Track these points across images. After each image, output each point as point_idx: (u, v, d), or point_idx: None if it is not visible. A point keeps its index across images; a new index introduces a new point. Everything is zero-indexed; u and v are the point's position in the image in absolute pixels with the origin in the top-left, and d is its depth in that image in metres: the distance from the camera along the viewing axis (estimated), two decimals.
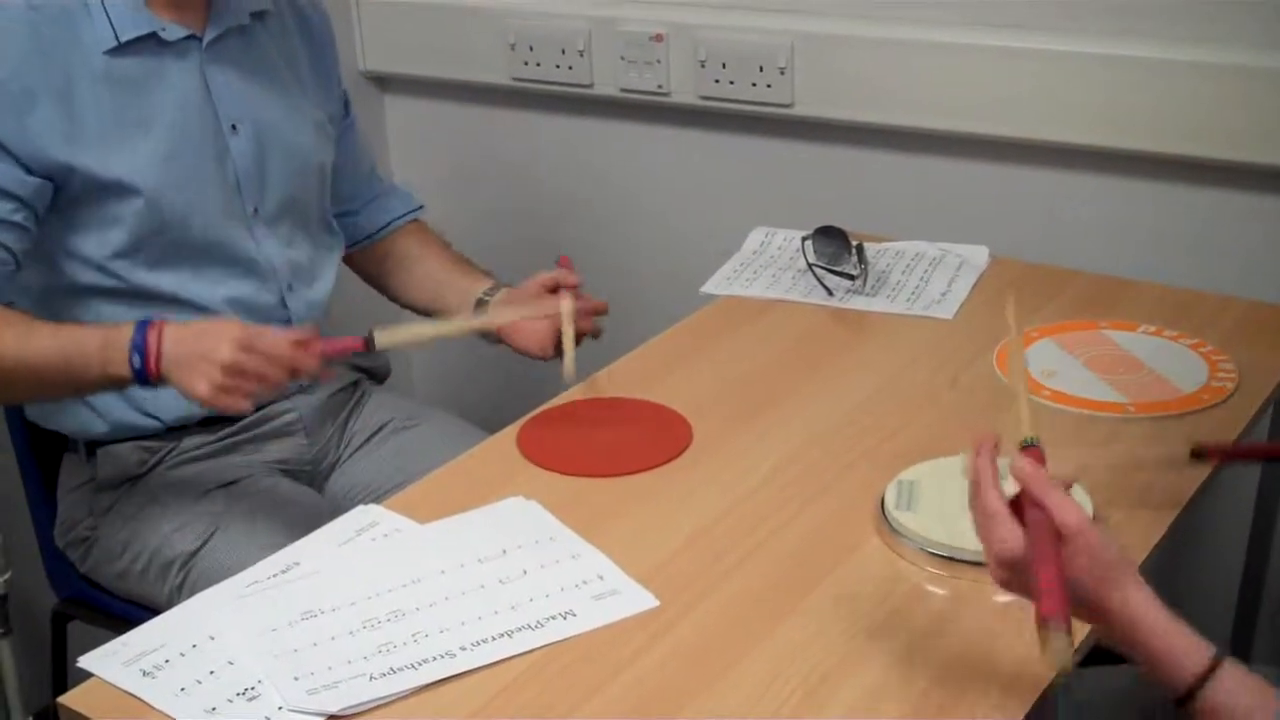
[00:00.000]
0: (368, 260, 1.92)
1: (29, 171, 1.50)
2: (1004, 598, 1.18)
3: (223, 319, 1.53)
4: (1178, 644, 0.95)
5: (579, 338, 1.63)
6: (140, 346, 1.43)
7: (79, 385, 1.51)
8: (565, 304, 1.63)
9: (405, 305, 1.91)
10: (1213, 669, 0.94)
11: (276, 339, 1.46)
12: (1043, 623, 0.93)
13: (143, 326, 1.45)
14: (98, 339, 1.46)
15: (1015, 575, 0.99)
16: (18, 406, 1.76)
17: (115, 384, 1.48)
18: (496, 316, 1.72)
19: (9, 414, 1.79)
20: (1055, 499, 0.98)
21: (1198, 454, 1.31)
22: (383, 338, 1.53)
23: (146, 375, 1.44)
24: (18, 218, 1.51)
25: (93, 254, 1.57)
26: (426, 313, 1.85)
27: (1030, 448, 1.05)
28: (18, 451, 1.80)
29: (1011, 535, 0.98)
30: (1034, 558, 0.96)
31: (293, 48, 1.74)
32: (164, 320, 1.46)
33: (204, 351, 1.42)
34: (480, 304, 1.77)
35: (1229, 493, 1.84)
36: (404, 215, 1.92)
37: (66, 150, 1.51)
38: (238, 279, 1.65)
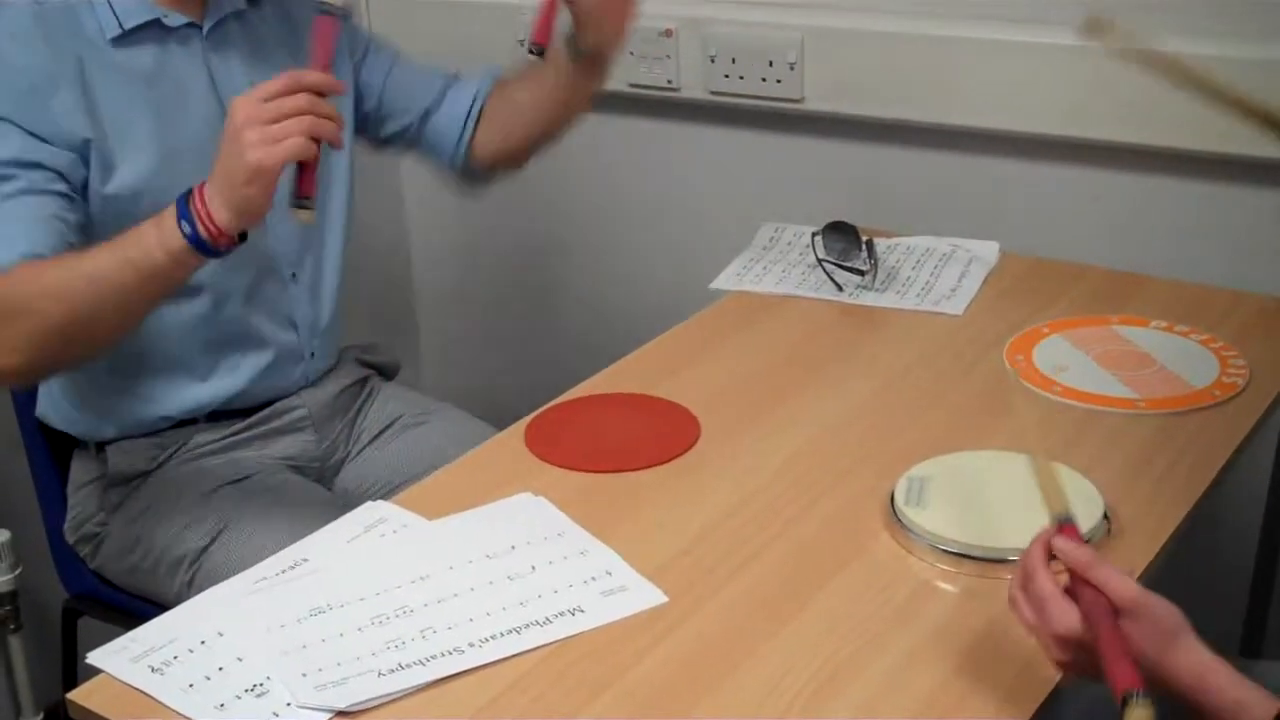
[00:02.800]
0: (488, 141, 1.85)
1: (66, 150, 1.50)
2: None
3: None
4: (1246, 696, 0.95)
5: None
6: (184, 208, 1.36)
7: (147, 287, 1.40)
8: None
9: (546, 138, 1.86)
10: None
11: (280, 79, 1.35)
12: (1123, 697, 0.93)
13: (183, 198, 1.37)
14: (151, 221, 1.39)
15: (1076, 655, 0.99)
16: (28, 403, 1.76)
17: (182, 263, 1.38)
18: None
19: (20, 410, 1.80)
20: (1105, 574, 0.99)
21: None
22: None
23: (204, 237, 1.35)
24: (59, 187, 1.49)
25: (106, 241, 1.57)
26: (561, 121, 1.83)
27: (1067, 525, 1.04)
28: (28, 447, 1.80)
29: (1068, 615, 0.98)
30: (1098, 635, 0.96)
31: (292, 26, 1.73)
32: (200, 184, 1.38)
33: (230, 145, 1.34)
34: (571, 43, 1.73)
35: (1240, 488, 1.84)
36: (485, 81, 1.86)
37: (90, 131, 1.51)
38: (243, 265, 1.65)
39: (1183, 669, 0.96)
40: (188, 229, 1.36)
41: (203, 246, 1.37)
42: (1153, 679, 0.97)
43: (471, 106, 1.84)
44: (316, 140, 1.35)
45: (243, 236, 1.39)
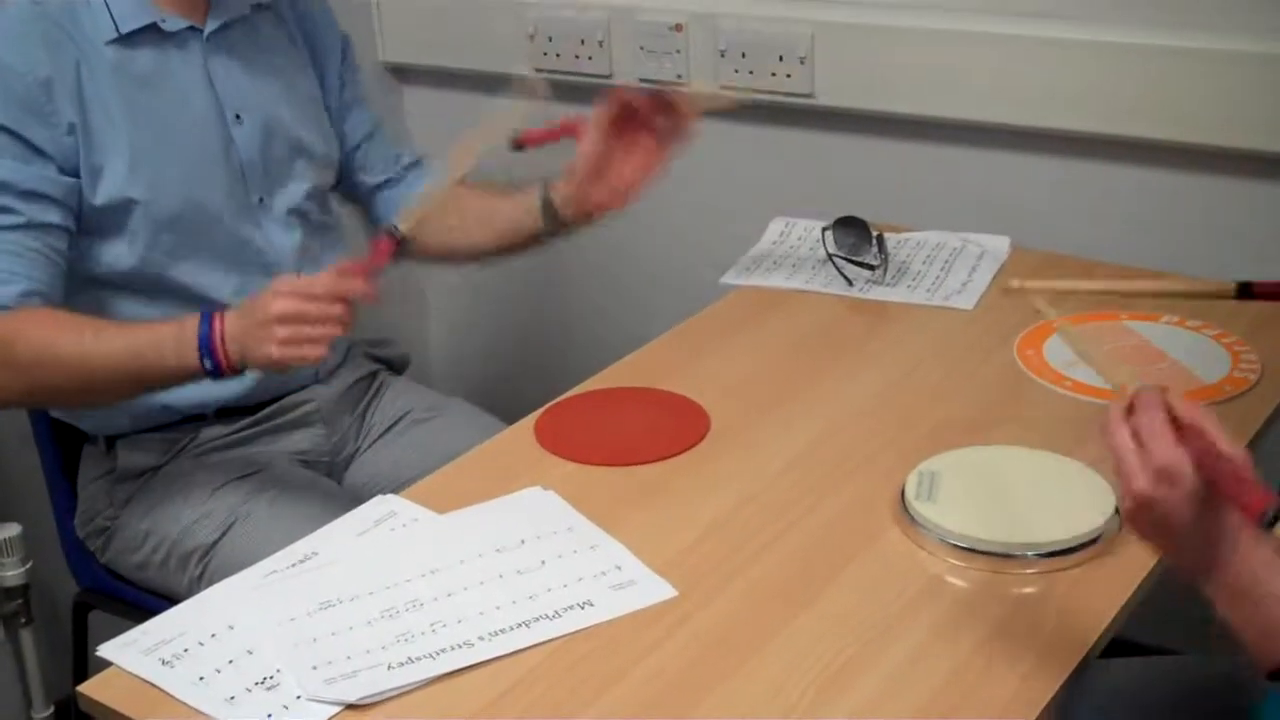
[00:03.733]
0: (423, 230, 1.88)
1: (61, 171, 1.52)
2: (1025, 589, 1.18)
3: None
4: None
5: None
6: (206, 342, 1.43)
7: (149, 381, 1.50)
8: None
9: (478, 256, 1.88)
10: None
11: (316, 276, 1.45)
12: (1258, 516, 0.92)
13: (207, 319, 1.44)
14: (171, 331, 1.45)
15: (1162, 495, 0.95)
16: None
17: (190, 376, 1.47)
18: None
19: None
20: (1220, 433, 0.95)
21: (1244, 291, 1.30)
22: (407, 219, 1.51)
23: (220, 369, 1.44)
24: (57, 219, 1.52)
25: (105, 249, 1.58)
26: (496, 253, 1.84)
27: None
28: (39, 442, 1.80)
29: (1177, 450, 0.94)
30: (1215, 468, 0.93)
31: (293, 34, 1.74)
32: (224, 310, 1.45)
33: (256, 317, 1.41)
34: (547, 205, 1.74)
35: None
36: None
37: (81, 141, 1.52)
38: (245, 269, 1.65)
39: (1254, 557, 0.94)
40: (209, 364, 1.44)
41: (219, 373, 1.45)
42: (1204, 569, 0.95)
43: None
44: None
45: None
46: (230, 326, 1.43)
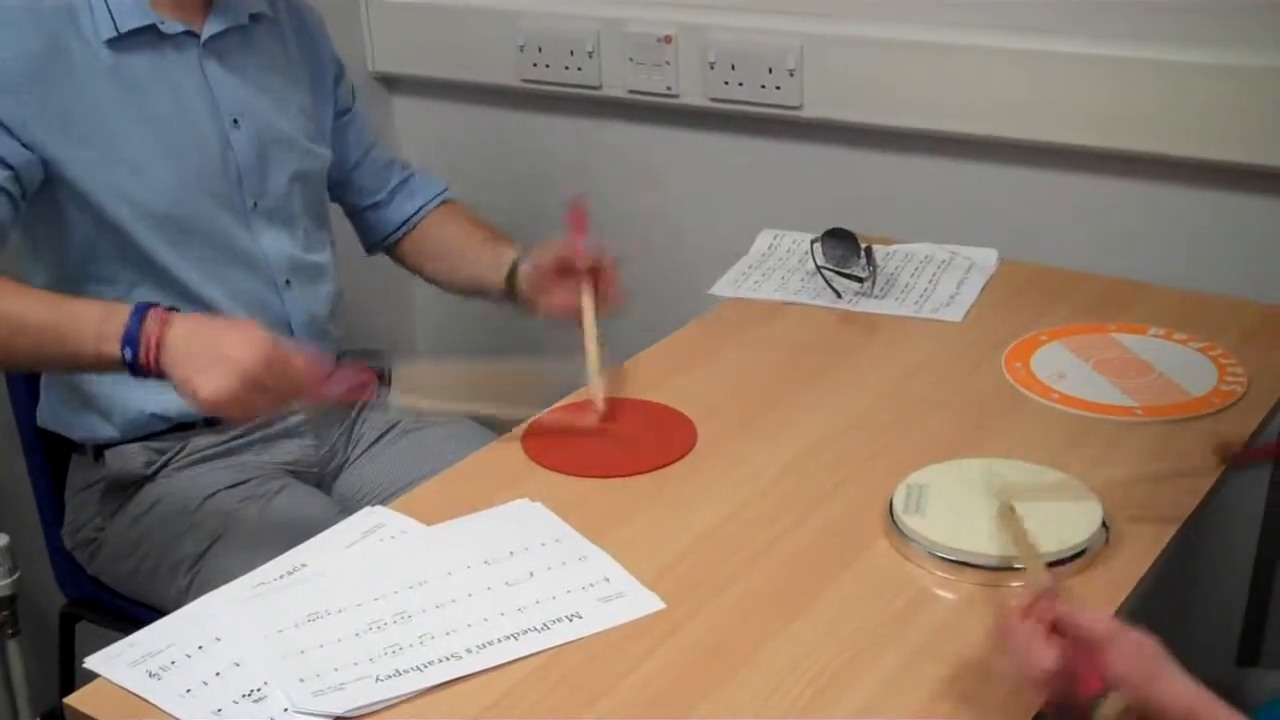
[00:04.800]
0: (407, 253, 1.92)
1: (23, 146, 1.51)
2: (1012, 602, 1.18)
3: (241, 321, 1.44)
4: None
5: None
6: (133, 338, 1.36)
7: (71, 358, 1.41)
8: (586, 309, 1.60)
9: (451, 291, 1.91)
10: None
11: (298, 363, 1.39)
12: (1090, 696, 0.96)
13: (140, 313, 1.37)
14: (96, 312, 1.39)
15: (1058, 687, 1.00)
16: (29, 407, 1.76)
17: (108, 366, 1.39)
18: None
19: (19, 414, 1.80)
20: (1086, 616, 1.01)
21: (1224, 458, 1.32)
22: (403, 400, 1.53)
23: (139, 365, 1.36)
24: (12, 188, 1.50)
25: (95, 249, 1.58)
26: (470, 293, 1.86)
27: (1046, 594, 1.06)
28: (27, 452, 1.80)
29: (1049, 652, 1.00)
30: (1076, 666, 0.98)
31: (289, 50, 1.74)
32: (172, 310, 1.39)
33: (226, 353, 1.34)
34: (510, 276, 1.77)
35: (1238, 496, 1.84)
36: (432, 200, 1.92)
37: (65, 138, 1.52)
38: (237, 272, 1.66)
39: (1169, 698, 0.97)
40: (129, 354, 1.37)
41: (135, 371, 1.38)
42: (1141, 709, 0.98)
43: (412, 217, 1.91)
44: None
45: None
46: (183, 340, 1.36)
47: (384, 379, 1.52)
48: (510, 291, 1.78)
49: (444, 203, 1.93)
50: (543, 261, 1.69)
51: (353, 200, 1.90)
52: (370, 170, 1.89)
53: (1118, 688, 0.97)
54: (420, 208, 1.91)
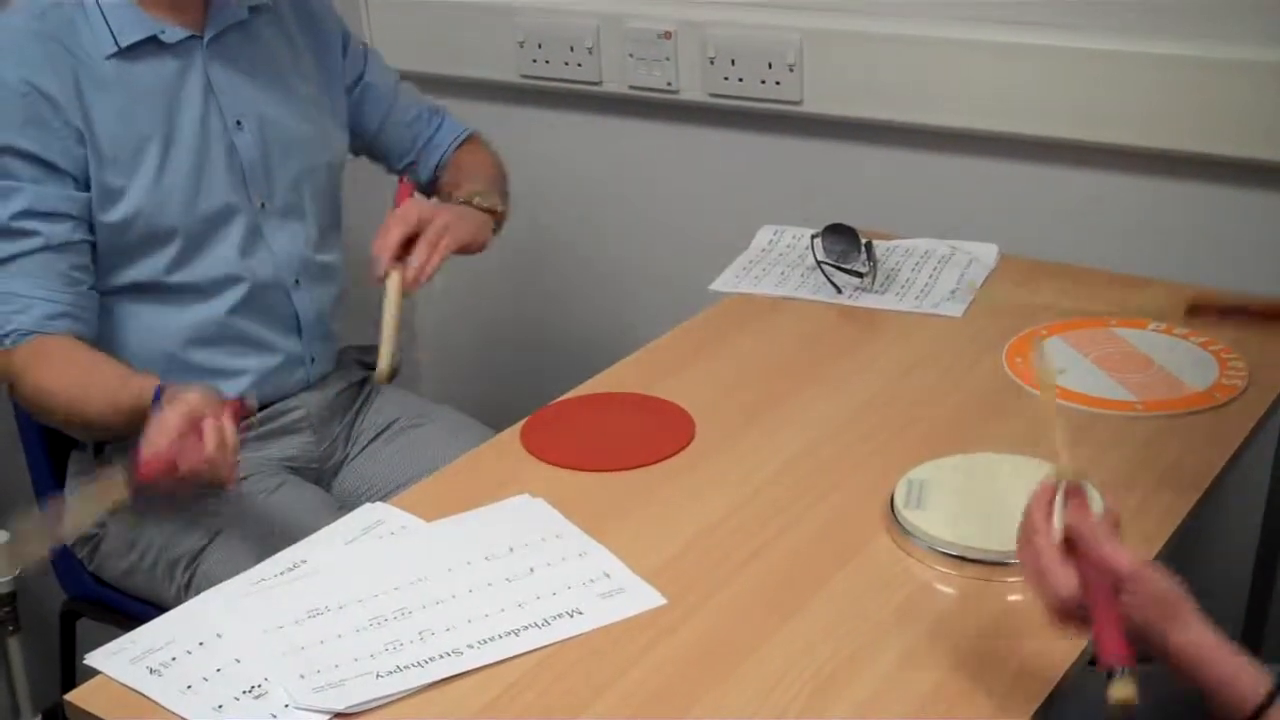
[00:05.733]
0: (445, 197, 1.89)
1: (76, 184, 1.53)
2: (1013, 596, 1.18)
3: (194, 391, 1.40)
4: (1241, 674, 0.97)
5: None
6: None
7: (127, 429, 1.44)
8: (391, 282, 1.60)
9: None
10: (1273, 695, 0.96)
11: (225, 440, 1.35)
12: (1106, 667, 0.95)
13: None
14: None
15: (1073, 617, 1.01)
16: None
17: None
18: None
19: (18, 412, 1.79)
20: (1108, 549, 1.00)
21: (1192, 312, 1.32)
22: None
23: None
24: (78, 236, 1.54)
25: (113, 258, 1.58)
26: None
27: (1075, 488, 1.05)
28: (27, 449, 1.80)
29: (1067, 580, 1.00)
30: (1093, 605, 0.98)
31: (292, 36, 1.74)
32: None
33: (154, 420, 1.35)
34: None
35: (1239, 491, 1.84)
36: (449, 145, 1.92)
37: (87, 149, 1.52)
38: (247, 273, 1.66)
39: (1180, 641, 0.98)
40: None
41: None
42: (1154, 650, 0.99)
43: (436, 167, 1.92)
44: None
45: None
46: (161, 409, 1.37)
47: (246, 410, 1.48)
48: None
49: (464, 143, 1.93)
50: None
51: (390, 164, 1.91)
52: (395, 133, 1.89)
53: (1131, 624, 0.97)
54: (441, 157, 1.92)
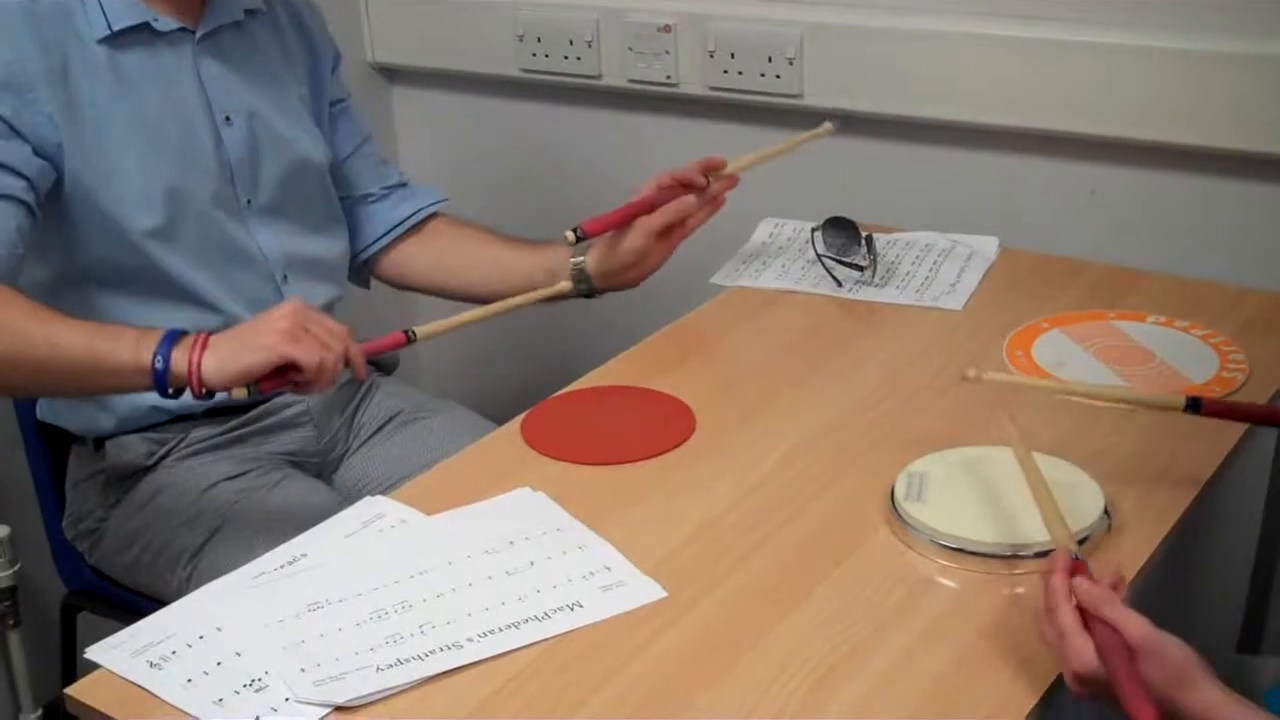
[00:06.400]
0: (405, 260, 1.87)
1: (35, 152, 1.51)
2: (1014, 590, 1.18)
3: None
4: None
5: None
6: (168, 345, 1.38)
7: (102, 375, 1.41)
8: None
9: (465, 297, 1.83)
10: None
11: (330, 320, 1.45)
12: None
13: (173, 331, 1.40)
14: (133, 330, 1.41)
15: (1093, 686, 1.02)
16: (29, 400, 1.76)
17: (136, 377, 1.39)
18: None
19: (18, 406, 1.79)
20: (1120, 614, 1.02)
21: (1193, 406, 1.32)
22: (425, 330, 1.52)
23: (183, 375, 1.38)
24: (28, 197, 1.50)
25: (93, 246, 1.58)
26: (490, 299, 1.75)
27: (1078, 563, 1.07)
28: (27, 443, 1.80)
29: (1086, 651, 1.01)
30: (1115, 674, 0.99)
31: (287, 43, 1.74)
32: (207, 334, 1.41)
33: (255, 322, 1.42)
34: (578, 271, 1.73)
35: (1240, 484, 1.84)
36: (434, 203, 1.88)
37: (65, 136, 1.52)
38: (234, 267, 1.65)
39: (1197, 708, 0.99)
40: (160, 364, 1.38)
41: (161, 378, 1.38)
42: (1166, 713, 0.99)
43: (410, 217, 1.87)
44: (299, 382, 1.41)
45: (209, 394, 1.41)
46: (224, 335, 1.40)
47: (408, 338, 1.52)
48: (579, 287, 1.73)
49: (441, 214, 1.89)
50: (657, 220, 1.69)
51: (345, 193, 1.85)
52: (363, 164, 1.86)
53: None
54: (419, 209, 1.87)
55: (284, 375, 1.40)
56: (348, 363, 1.45)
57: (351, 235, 1.86)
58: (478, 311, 1.62)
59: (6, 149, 1.48)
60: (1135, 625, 1.01)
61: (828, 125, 1.81)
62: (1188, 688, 0.99)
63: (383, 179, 1.88)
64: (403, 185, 1.89)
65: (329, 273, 1.78)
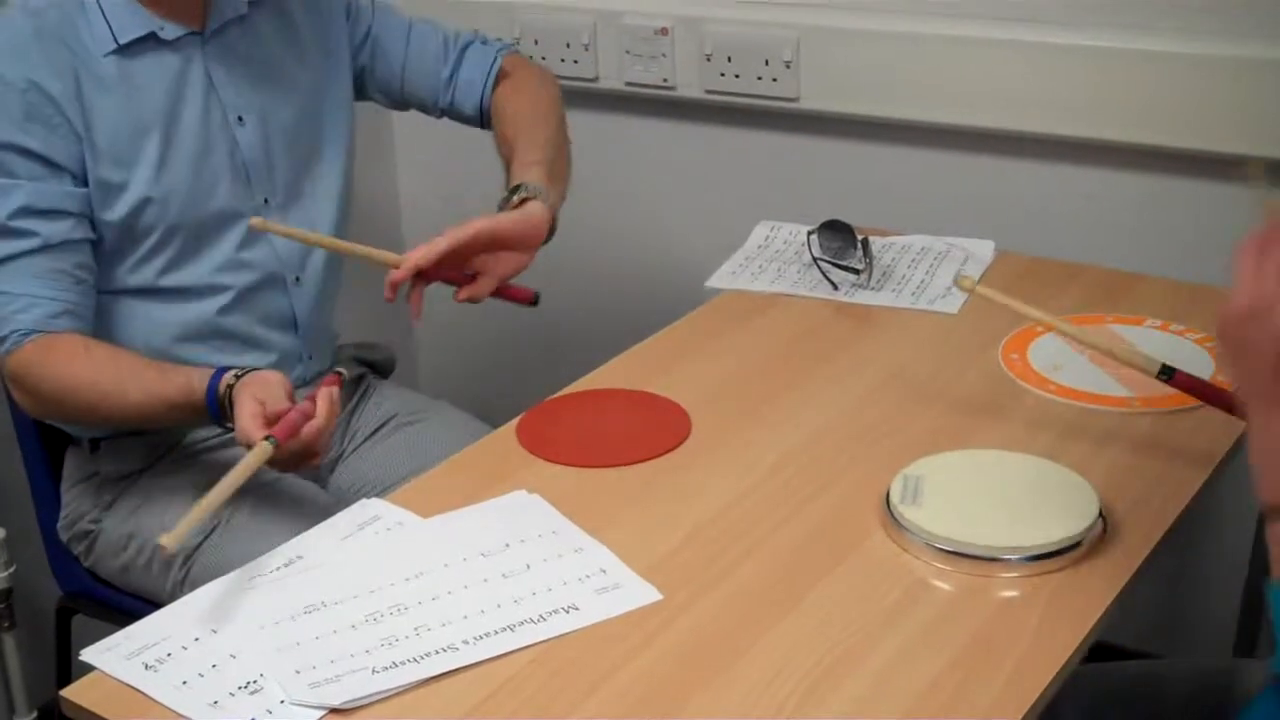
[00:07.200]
0: (506, 100, 1.84)
1: (74, 180, 1.53)
2: (1009, 592, 1.18)
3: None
4: None
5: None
6: (213, 395, 1.47)
7: (164, 423, 1.58)
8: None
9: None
10: None
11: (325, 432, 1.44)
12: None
13: (217, 377, 1.47)
14: (184, 383, 1.49)
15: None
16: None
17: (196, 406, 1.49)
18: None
19: (14, 408, 1.79)
20: None
21: (1166, 374, 1.34)
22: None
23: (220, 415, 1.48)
24: (79, 234, 1.54)
25: (118, 257, 1.58)
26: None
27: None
28: (22, 445, 1.80)
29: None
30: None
31: (294, 23, 1.72)
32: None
33: (249, 406, 1.42)
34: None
35: (1234, 487, 1.84)
36: (484, 82, 1.85)
37: (91, 149, 1.53)
38: (248, 270, 1.66)
39: None
40: (214, 411, 1.47)
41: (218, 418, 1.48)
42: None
43: (480, 102, 1.85)
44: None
45: None
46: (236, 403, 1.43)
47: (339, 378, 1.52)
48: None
49: (499, 75, 1.85)
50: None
51: (428, 111, 1.87)
52: (418, 80, 1.84)
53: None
54: (480, 97, 1.85)
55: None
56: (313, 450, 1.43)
57: (460, 114, 1.86)
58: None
59: (46, 191, 1.51)
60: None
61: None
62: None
63: (437, 83, 1.85)
64: (453, 76, 1.85)
65: (338, 267, 1.78)
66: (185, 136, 1.60)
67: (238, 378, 1.45)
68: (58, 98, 1.51)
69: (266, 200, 1.67)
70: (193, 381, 1.48)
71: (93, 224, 1.56)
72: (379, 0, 1.85)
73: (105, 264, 1.59)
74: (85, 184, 1.54)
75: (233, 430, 1.42)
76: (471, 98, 1.85)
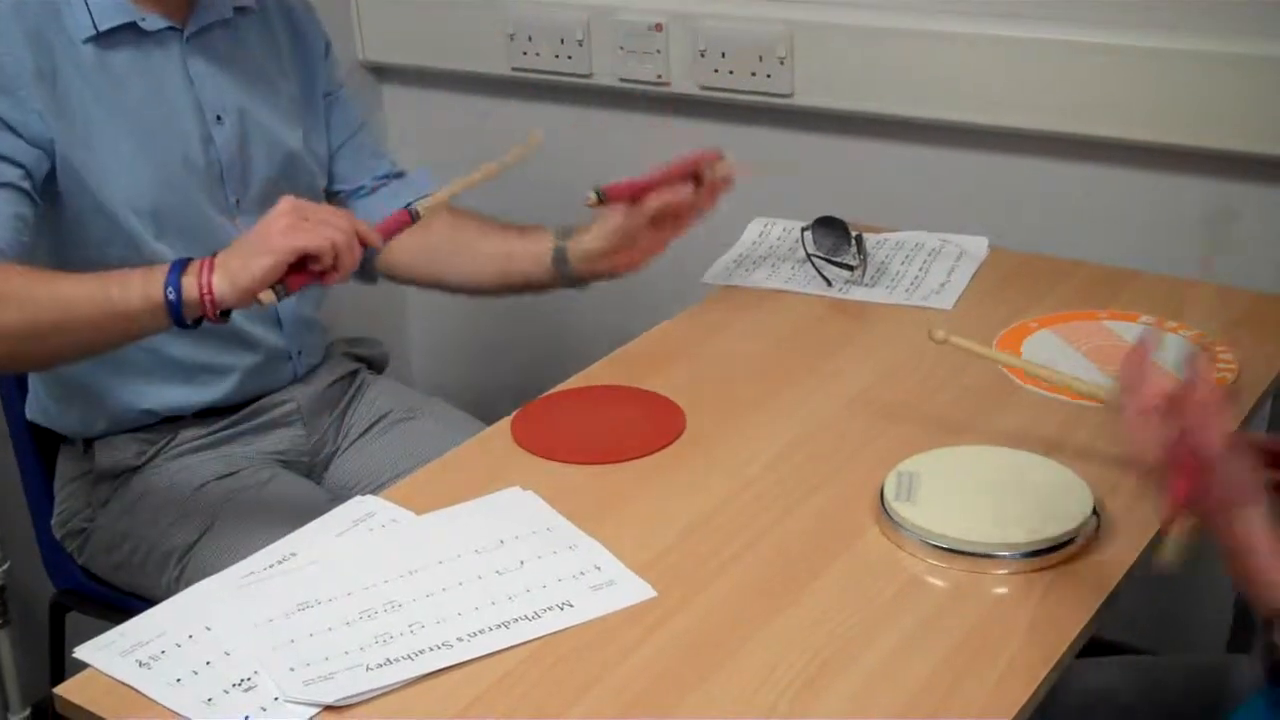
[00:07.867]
0: (403, 250, 1.82)
1: (33, 144, 1.50)
2: (1003, 589, 1.19)
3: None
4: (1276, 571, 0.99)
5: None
6: (176, 274, 1.35)
7: (116, 320, 1.38)
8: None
9: (468, 290, 1.82)
10: None
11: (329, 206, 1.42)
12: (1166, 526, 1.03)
13: (181, 261, 1.36)
14: (140, 270, 1.38)
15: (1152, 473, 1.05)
16: (16, 399, 1.75)
17: (154, 317, 1.37)
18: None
19: (8, 405, 1.79)
20: (1203, 432, 1.02)
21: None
22: (427, 203, 1.49)
23: (196, 301, 1.35)
24: (26, 185, 1.49)
25: (88, 234, 1.57)
26: (495, 291, 1.79)
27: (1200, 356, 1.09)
28: (16, 442, 1.80)
29: (1155, 440, 1.04)
30: (1173, 470, 1.02)
31: (278, 38, 1.73)
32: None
33: (258, 226, 1.37)
34: (560, 256, 1.71)
35: None
36: (424, 196, 1.86)
37: (56, 134, 1.51)
38: None
39: (1239, 533, 1.00)
40: (173, 294, 1.35)
41: (176, 309, 1.35)
42: (1214, 531, 1.02)
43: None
44: (323, 272, 1.38)
45: (224, 316, 1.39)
46: (228, 250, 1.37)
47: (411, 216, 1.49)
48: (559, 275, 1.73)
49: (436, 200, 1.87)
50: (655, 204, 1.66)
51: (338, 186, 1.83)
52: (354, 156, 1.83)
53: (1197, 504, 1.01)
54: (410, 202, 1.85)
55: (305, 270, 1.37)
56: (361, 239, 1.40)
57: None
58: (468, 178, 1.60)
59: (1, 141, 1.48)
60: (1214, 442, 1.01)
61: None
62: (1237, 511, 1.00)
63: (374, 170, 1.85)
64: (397, 176, 1.86)
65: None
66: (160, 129, 1.58)
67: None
68: (28, 77, 1.49)
69: (238, 201, 1.66)
70: (152, 272, 1.38)
71: (37, 188, 1.50)
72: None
73: (88, 243, 1.56)
74: (50, 157, 1.50)
75: (192, 327, 1.37)
76: (397, 203, 1.74)
